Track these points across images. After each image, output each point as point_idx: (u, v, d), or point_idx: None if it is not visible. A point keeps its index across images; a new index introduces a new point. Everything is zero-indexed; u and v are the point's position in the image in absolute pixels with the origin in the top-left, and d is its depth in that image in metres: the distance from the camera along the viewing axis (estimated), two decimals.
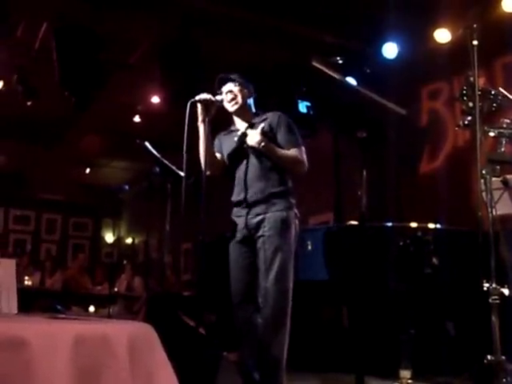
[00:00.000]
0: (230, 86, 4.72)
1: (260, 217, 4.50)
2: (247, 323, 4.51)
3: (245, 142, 4.55)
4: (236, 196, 4.67)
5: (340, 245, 6.24)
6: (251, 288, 4.49)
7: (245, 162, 4.62)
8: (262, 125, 4.53)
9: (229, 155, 4.74)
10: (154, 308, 6.90)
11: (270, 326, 4.34)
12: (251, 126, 4.67)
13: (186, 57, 8.45)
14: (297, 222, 4.62)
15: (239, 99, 4.71)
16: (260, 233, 4.47)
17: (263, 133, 4.47)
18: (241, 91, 4.73)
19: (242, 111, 4.77)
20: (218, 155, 4.81)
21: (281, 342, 4.34)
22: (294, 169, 4.65)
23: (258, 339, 4.41)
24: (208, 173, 4.57)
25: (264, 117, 4.71)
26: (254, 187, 4.56)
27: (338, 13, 8.33)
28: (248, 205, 4.56)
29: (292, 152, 4.58)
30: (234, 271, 4.64)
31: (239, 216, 4.63)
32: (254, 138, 4.46)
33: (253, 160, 4.58)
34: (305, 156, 4.63)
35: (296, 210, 4.62)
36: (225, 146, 4.81)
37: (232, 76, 4.73)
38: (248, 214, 4.55)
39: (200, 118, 4.64)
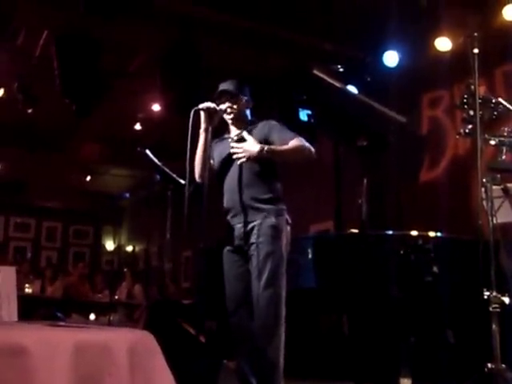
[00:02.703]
0: (230, 101, 4.72)
1: (251, 225, 4.49)
2: (242, 329, 4.51)
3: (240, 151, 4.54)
4: (226, 203, 4.67)
5: (340, 253, 6.23)
6: (245, 295, 4.48)
7: (234, 168, 4.61)
8: (246, 134, 4.51)
9: (220, 162, 4.73)
10: (155, 316, 6.90)
11: (264, 332, 4.33)
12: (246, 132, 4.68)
13: (186, 64, 8.46)
14: (288, 228, 4.61)
15: (237, 111, 4.72)
16: (251, 240, 4.47)
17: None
18: (240, 102, 4.73)
19: (239, 120, 4.76)
20: (211, 162, 4.81)
21: (276, 347, 4.33)
22: (302, 157, 4.57)
23: (254, 345, 4.40)
24: (200, 180, 4.59)
25: (256, 125, 4.71)
26: (243, 194, 4.55)
27: (339, 21, 8.34)
28: (237, 213, 4.56)
29: (293, 143, 4.54)
30: (227, 279, 4.64)
31: (232, 225, 4.62)
32: (252, 147, 4.44)
33: (242, 167, 4.56)
34: (306, 143, 4.58)
35: (287, 216, 4.61)
36: (216, 152, 4.81)
37: (232, 89, 4.72)
38: (239, 223, 4.55)
39: (203, 127, 4.64)
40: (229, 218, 4.65)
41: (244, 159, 4.47)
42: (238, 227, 4.55)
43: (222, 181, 4.70)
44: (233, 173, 4.61)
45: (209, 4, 8.11)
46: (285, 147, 4.51)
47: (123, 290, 12.83)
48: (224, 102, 4.71)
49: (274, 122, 4.70)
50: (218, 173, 4.74)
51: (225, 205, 4.68)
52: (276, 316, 4.37)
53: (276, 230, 4.48)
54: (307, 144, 4.57)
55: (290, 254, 4.59)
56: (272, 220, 4.48)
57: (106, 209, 18.46)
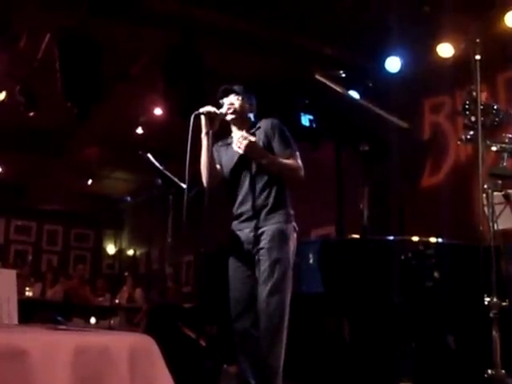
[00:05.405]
0: (232, 98, 4.72)
1: (259, 230, 4.50)
2: (245, 334, 4.51)
3: (245, 154, 4.54)
4: (236, 209, 4.68)
5: (342, 258, 6.23)
6: (250, 300, 4.49)
7: (245, 174, 4.62)
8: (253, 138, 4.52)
9: (230, 170, 4.73)
10: (155, 320, 6.90)
11: (267, 338, 4.34)
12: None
13: (188, 68, 8.46)
14: (295, 235, 4.62)
15: (239, 112, 4.71)
16: (259, 246, 4.47)
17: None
18: (242, 104, 4.73)
19: (241, 122, 4.76)
20: (217, 166, 4.80)
21: (277, 353, 4.34)
22: (292, 176, 4.65)
23: (256, 350, 4.40)
24: (207, 185, 4.57)
25: (258, 125, 4.72)
26: (253, 200, 4.56)
27: (341, 26, 8.34)
28: (247, 218, 4.57)
29: (288, 161, 4.59)
30: (232, 283, 4.64)
31: (239, 230, 4.63)
32: (255, 146, 4.48)
33: (252, 173, 4.57)
34: (300, 162, 4.63)
35: (294, 223, 4.62)
36: (223, 157, 4.81)
37: (235, 88, 4.73)
38: (247, 227, 4.56)
39: (204, 131, 4.62)
40: (237, 222, 4.67)
41: (241, 151, 4.52)
42: (247, 232, 4.56)
43: (233, 188, 4.71)
44: (244, 178, 4.62)
45: (211, 8, 8.11)
46: (280, 160, 4.57)
47: (124, 294, 12.86)
48: (227, 96, 4.73)
49: (277, 126, 4.69)
50: (228, 181, 4.74)
51: (235, 210, 4.69)
52: (279, 322, 4.38)
53: (285, 237, 4.50)
54: (300, 164, 4.64)
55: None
56: (282, 226, 4.50)
57: (108, 212, 18.44)
